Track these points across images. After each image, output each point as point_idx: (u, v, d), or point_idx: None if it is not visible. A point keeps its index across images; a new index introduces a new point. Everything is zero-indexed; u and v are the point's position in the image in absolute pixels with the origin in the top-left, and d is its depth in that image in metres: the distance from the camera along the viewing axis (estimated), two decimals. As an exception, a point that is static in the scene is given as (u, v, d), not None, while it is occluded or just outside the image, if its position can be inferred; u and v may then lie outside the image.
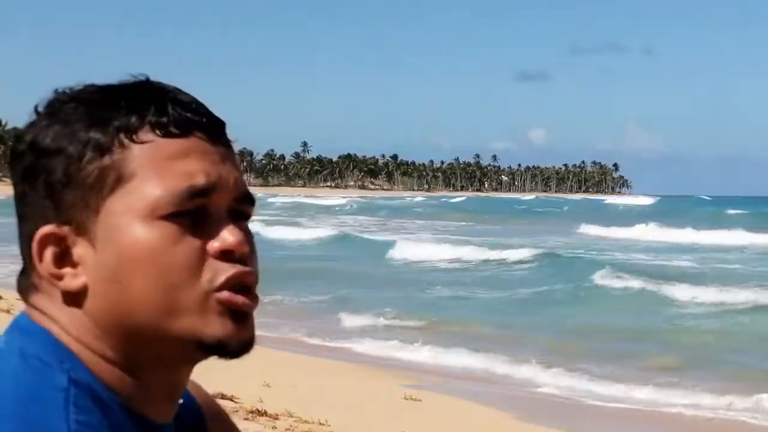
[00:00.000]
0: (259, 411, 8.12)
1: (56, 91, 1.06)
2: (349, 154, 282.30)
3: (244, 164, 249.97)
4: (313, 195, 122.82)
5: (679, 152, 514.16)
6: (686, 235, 43.56)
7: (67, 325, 1.03)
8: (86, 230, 1.02)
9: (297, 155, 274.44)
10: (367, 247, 33.82)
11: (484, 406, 10.22)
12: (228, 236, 1.03)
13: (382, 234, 43.96)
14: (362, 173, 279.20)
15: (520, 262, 28.32)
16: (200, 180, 1.02)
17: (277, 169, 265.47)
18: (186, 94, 1.07)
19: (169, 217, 1.01)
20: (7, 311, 11.79)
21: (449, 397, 10.63)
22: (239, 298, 1.03)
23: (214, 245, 1.02)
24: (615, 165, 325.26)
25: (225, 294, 1.02)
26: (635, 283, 21.64)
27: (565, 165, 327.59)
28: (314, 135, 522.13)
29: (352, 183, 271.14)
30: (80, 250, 1.02)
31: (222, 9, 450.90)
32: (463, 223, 63.45)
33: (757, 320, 17.21)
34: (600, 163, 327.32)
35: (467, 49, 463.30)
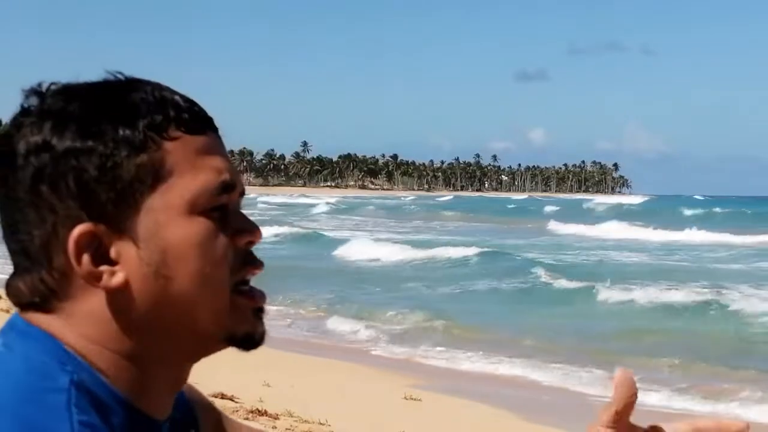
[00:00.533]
0: (259, 411, 8.13)
1: (44, 90, 1.03)
2: (349, 154, 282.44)
3: (244, 164, 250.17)
4: (305, 194, 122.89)
5: (680, 152, 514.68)
6: (645, 233, 44.99)
7: (75, 324, 1.02)
8: (126, 227, 1.01)
9: (297, 155, 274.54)
10: (322, 246, 34.36)
11: (484, 406, 10.23)
12: (253, 228, 1.07)
13: (339, 232, 44.25)
14: (362, 173, 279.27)
15: (451, 259, 28.97)
16: (227, 176, 1.05)
17: (277, 169, 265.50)
18: (178, 92, 1.08)
19: (205, 212, 1.03)
20: (7, 311, 11.79)
21: (449, 397, 10.64)
22: (262, 300, 1.08)
23: (245, 238, 1.06)
24: (615, 165, 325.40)
25: (247, 294, 1.06)
26: (557, 281, 22.63)
27: (565, 165, 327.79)
28: (314, 135, 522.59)
29: (352, 183, 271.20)
30: (119, 247, 1.01)
31: (222, 9, 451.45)
32: (436, 223, 64.72)
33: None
34: (600, 162, 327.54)
35: (467, 49, 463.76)
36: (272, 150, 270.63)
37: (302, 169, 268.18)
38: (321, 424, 8.24)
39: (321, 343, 14.23)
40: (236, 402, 8.46)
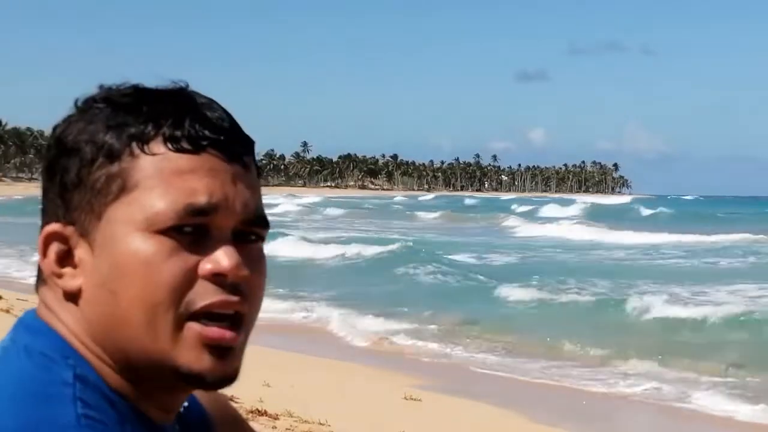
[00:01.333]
0: (259, 411, 8.12)
1: (100, 87, 1.07)
2: (349, 154, 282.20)
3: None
4: (293, 194, 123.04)
5: (680, 152, 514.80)
6: (599, 234, 45.36)
7: (69, 322, 1.03)
8: (88, 234, 1.02)
9: (297, 155, 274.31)
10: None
11: (485, 405, 10.22)
12: (222, 258, 1.00)
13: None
14: (362, 173, 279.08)
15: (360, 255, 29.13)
16: (201, 199, 1.00)
17: (277, 169, 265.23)
18: (216, 109, 1.05)
19: (165, 233, 0.99)
20: (7, 311, 11.78)
21: (449, 397, 10.63)
22: (213, 331, 1.00)
23: (205, 266, 1.00)
24: (615, 165, 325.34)
25: (196, 326, 0.99)
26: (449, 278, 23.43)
27: (565, 165, 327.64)
28: (314, 135, 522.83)
29: (352, 183, 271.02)
30: (81, 252, 1.02)
31: (222, 9, 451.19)
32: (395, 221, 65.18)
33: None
34: (600, 163, 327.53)
35: (467, 49, 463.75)
36: (272, 150, 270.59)
37: (302, 170, 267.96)
38: (321, 424, 8.23)
39: (319, 342, 14.23)
40: (236, 402, 8.44)
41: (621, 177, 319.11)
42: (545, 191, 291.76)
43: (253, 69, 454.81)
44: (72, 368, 0.99)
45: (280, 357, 11.57)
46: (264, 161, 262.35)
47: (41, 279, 1.07)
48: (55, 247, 1.03)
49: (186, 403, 1.12)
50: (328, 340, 14.49)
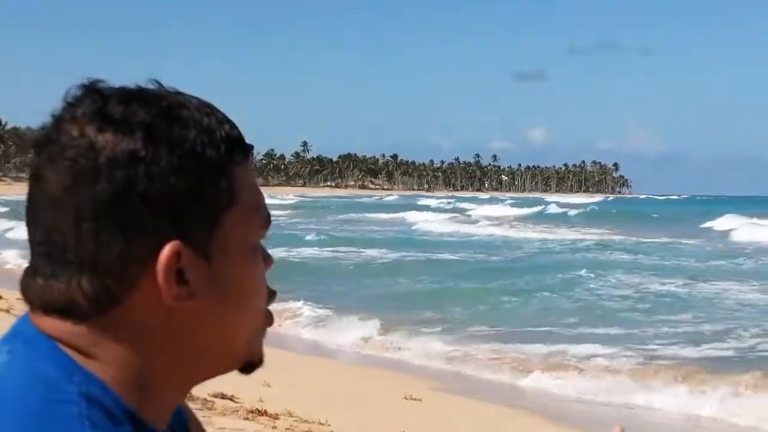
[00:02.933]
0: (259, 411, 8.13)
1: (122, 93, 0.99)
2: (349, 154, 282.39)
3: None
4: (270, 195, 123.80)
5: (680, 152, 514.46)
6: (520, 232, 48.60)
7: (101, 336, 0.98)
8: (202, 248, 0.99)
9: (297, 155, 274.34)
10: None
11: (485, 404, 10.23)
12: (268, 257, 1.08)
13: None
14: (362, 173, 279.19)
15: None
16: (266, 209, 1.07)
17: (277, 169, 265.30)
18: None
19: (257, 245, 1.06)
20: (7, 311, 11.80)
21: (449, 396, 10.64)
22: (272, 318, 1.10)
23: (268, 266, 1.08)
24: (615, 165, 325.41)
25: (271, 320, 1.09)
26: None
27: (565, 165, 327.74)
28: (314, 135, 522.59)
29: (352, 183, 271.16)
30: (195, 268, 0.99)
31: (221, 9, 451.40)
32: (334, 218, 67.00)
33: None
34: (600, 162, 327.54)
35: (466, 49, 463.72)
36: (272, 150, 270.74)
37: (302, 169, 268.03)
38: (321, 424, 8.23)
39: (320, 344, 14.24)
40: (236, 402, 8.46)
41: (621, 177, 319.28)
42: (545, 191, 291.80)
43: (253, 69, 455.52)
44: (77, 386, 0.95)
45: (281, 357, 11.57)
46: (264, 161, 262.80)
47: (49, 291, 0.99)
48: (174, 268, 0.98)
49: None
50: (325, 340, 14.50)
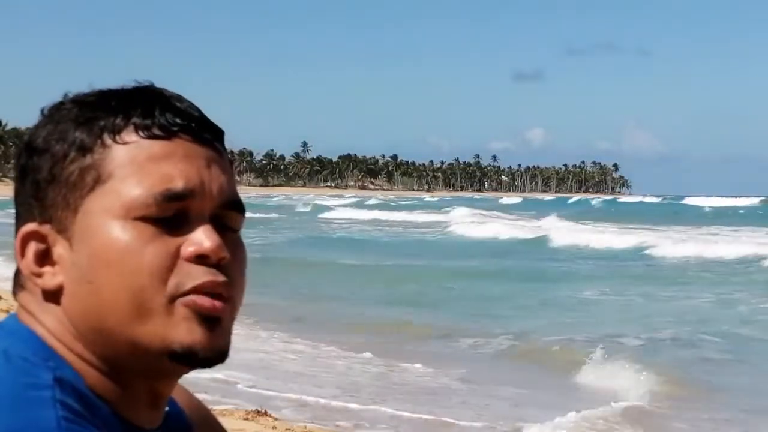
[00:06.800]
0: (259, 411, 8.12)
1: (64, 95, 1.07)
2: (349, 154, 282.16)
3: (244, 164, 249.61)
4: (267, 195, 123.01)
5: (680, 152, 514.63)
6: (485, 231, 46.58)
7: (50, 324, 1.02)
8: (66, 229, 1.01)
9: (297, 155, 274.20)
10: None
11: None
12: (203, 239, 1.00)
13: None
14: (362, 173, 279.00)
15: None
16: (179, 183, 1.01)
17: (277, 169, 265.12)
18: (185, 100, 1.06)
19: (144, 219, 1.00)
20: (7, 311, 11.78)
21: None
22: (205, 300, 1.00)
23: (188, 249, 1.00)
24: (615, 165, 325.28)
25: (190, 297, 1.00)
26: None
27: (565, 165, 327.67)
28: (314, 135, 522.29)
29: (352, 183, 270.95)
30: (60, 249, 1.02)
31: (221, 9, 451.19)
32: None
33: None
34: (600, 163, 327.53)
35: (465, 49, 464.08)
36: (272, 150, 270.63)
37: (302, 170, 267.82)
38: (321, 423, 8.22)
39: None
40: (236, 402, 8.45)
41: (621, 177, 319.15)
42: (545, 191, 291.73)
43: (253, 69, 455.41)
44: (52, 371, 0.97)
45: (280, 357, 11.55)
46: (264, 161, 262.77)
47: (19, 283, 1.06)
48: (33, 247, 1.02)
49: (167, 408, 1.10)
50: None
